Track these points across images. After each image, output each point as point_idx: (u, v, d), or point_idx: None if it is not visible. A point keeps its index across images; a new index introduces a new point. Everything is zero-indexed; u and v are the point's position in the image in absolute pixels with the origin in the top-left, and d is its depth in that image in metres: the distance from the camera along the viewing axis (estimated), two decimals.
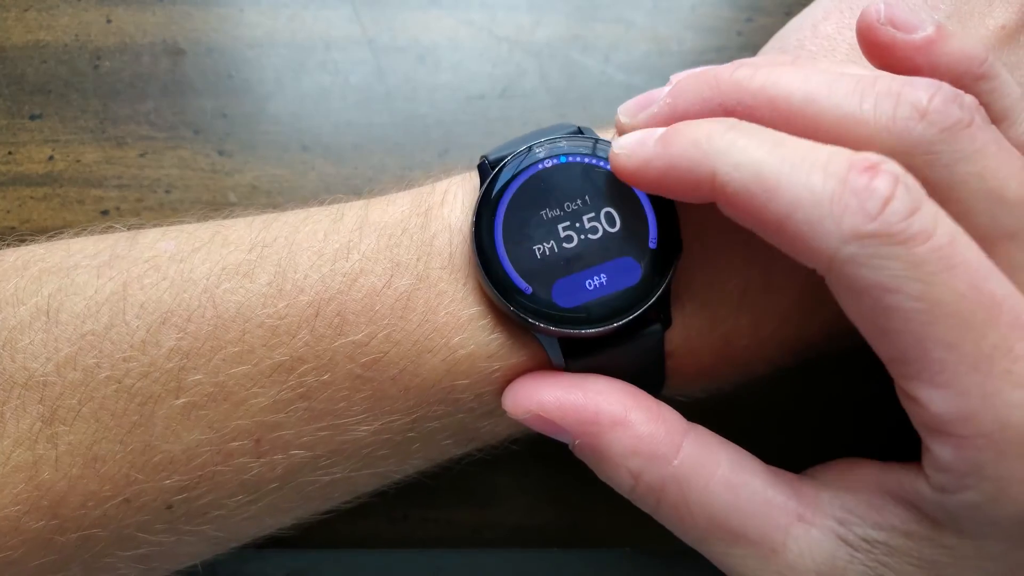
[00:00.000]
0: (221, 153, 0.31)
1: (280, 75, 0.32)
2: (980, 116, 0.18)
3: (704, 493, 0.19)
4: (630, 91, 0.32)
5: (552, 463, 0.28)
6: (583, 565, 0.29)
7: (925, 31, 0.20)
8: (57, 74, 0.32)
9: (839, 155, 0.18)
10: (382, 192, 0.24)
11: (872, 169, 0.17)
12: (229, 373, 0.20)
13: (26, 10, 0.32)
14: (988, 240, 0.18)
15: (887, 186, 0.17)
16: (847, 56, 0.24)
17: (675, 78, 0.22)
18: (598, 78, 0.33)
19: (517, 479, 0.29)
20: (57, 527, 0.20)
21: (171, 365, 0.20)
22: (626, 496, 0.21)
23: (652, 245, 0.21)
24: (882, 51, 0.20)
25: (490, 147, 0.23)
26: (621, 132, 0.21)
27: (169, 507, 0.20)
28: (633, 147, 0.20)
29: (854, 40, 0.24)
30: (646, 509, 0.20)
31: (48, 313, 0.20)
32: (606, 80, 0.33)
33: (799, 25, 0.25)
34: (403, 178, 0.31)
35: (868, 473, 0.20)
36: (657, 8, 0.33)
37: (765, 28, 0.33)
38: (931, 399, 0.17)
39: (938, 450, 0.18)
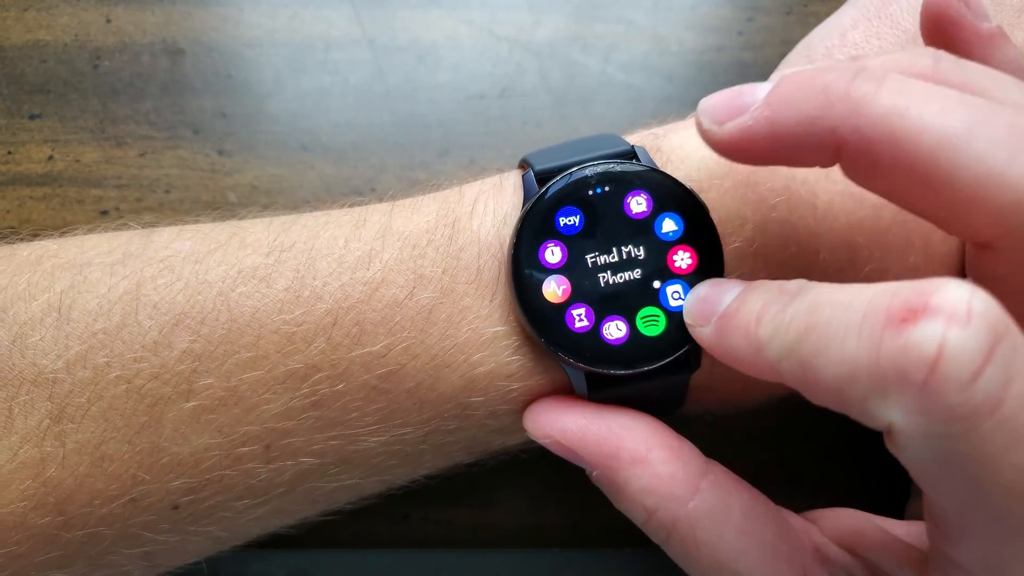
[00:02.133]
0: (221, 153, 0.31)
1: (280, 75, 0.32)
2: None
3: (715, 536, 0.19)
4: (630, 91, 0.32)
5: (552, 463, 0.28)
6: (583, 565, 0.29)
7: (992, 25, 0.19)
8: (57, 74, 0.32)
9: (875, 308, 0.14)
10: (404, 193, 0.23)
11: (911, 318, 0.14)
12: (241, 378, 0.20)
13: (25, 10, 0.32)
14: None
15: (931, 341, 0.13)
16: None
17: (776, 77, 0.18)
18: (598, 78, 0.33)
19: (517, 479, 0.29)
20: (63, 524, 0.20)
21: (182, 367, 0.20)
22: (637, 525, 0.20)
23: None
24: (946, 28, 0.19)
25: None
26: (705, 138, 0.19)
27: (175, 508, 0.20)
28: (695, 320, 0.19)
29: (882, 48, 0.23)
30: (655, 541, 0.20)
31: (60, 310, 0.20)
32: (606, 80, 0.33)
33: (826, 33, 0.25)
34: (404, 178, 0.31)
35: (875, 537, 0.20)
36: (657, 8, 0.33)
37: (766, 27, 0.33)
38: (959, 554, 0.16)
39: (947, 569, 0.17)
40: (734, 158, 0.19)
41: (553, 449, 0.21)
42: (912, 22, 0.23)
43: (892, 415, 0.14)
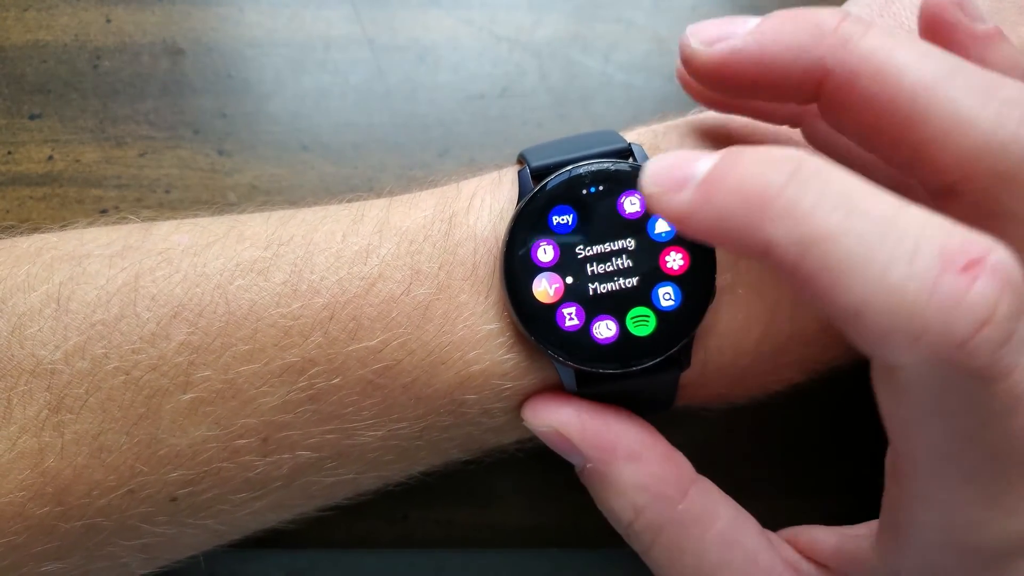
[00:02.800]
0: (221, 153, 0.31)
1: (280, 75, 0.32)
2: None
3: (699, 542, 0.20)
4: (630, 91, 0.32)
5: (552, 463, 0.28)
6: (583, 565, 0.29)
7: (987, 25, 0.19)
8: (57, 74, 0.32)
9: (931, 240, 0.13)
10: (403, 191, 0.23)
11: (973, 268, 0.13)
12: (238, 371, 0.20)
13: (26, 10, 0.32)
14: None
15: (988, 299, 0.13)
16: None
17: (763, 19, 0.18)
18: (598, 78, 0.33)
19: (517, 479, 0.29)
20: (61, 514, 0.20)
21: (180, 359, 0.20)
22: (619, 530, 0.21)
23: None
24: (942, 29, 0.19)
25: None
26: (688, 61, 0.19)
27: (173, 500, 0.20)
28: (666, 188, 0.15)
29: None
30: (636, 546, 0.20)
31: (59, 301, 0.20)
32: (606, 80, 0.33)
33: None
34: (403, 177, 0.31)
35: (850, 555, 0.20)
36: (657, 8, 0.33)
37: None
38: (916, 515, 0.17)
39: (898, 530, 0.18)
40: (715, 85, 0.19)
41: (549, 440, 0.21)
42: (915, 20, 0.23)
43: (908, 357, 0.14)
